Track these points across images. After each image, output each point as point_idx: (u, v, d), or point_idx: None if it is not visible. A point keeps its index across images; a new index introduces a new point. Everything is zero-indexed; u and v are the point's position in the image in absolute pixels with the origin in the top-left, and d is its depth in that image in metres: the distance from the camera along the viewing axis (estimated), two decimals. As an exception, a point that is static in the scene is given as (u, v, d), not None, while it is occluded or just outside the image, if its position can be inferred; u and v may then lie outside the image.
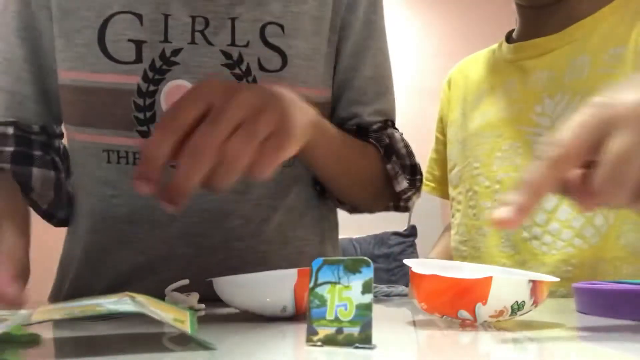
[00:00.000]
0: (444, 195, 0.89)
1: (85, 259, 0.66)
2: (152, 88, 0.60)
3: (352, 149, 0.65)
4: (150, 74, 0.59)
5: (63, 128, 0.69)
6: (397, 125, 0.75)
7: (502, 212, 0.34)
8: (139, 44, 0.59)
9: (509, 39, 0.80)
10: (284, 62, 0.63)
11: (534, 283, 0.38)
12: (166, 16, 0.60)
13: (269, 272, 0.44)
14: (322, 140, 0.56)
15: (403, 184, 0.68)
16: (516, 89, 0.75)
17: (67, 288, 0.68)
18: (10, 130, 0.63)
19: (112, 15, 0.60)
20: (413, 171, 0.70)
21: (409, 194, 0.69)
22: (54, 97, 0.65)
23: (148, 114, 0.60)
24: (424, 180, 0.76)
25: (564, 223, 0.67)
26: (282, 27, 0.63)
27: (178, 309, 0.34)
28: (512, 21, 0.81)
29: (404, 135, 0.73)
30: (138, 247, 0.62)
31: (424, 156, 0.86)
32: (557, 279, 0.39)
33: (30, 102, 0.65)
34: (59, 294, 0.70)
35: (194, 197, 0.54)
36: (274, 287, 0.43)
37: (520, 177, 0.62)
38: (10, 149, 0.62)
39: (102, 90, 0.60)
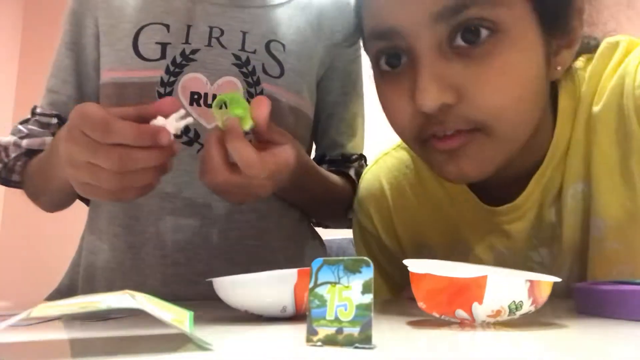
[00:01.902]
0: None
1: (112, 255, 0.73)
2: (172, 79, 0.70)
3: (327, 187, 0.77)
4: (171, 68, 0.71)
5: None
6: None
7: None
8: (164, 46, 0.72)
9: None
10: (282, 72, 0.75)
11: (532, 283, 0.38)
12: (189, 26, 0.73)
13: (269, 273, 0.44)
14: (303, 183, 0.69)
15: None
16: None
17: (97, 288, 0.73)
18: (54, 120, 0.78)
19: (144, 26, 0.73)
20: None
21: None
22: (91, 99, 0.78)
23: None
24: None
25: None
26: (283, 45, 0.76)
27: (177, 308, 0.34)
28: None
29: None
30: (149, 219, 0.71)
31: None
32: (558, 279, 0.39)
33: (72, 102, 0.78)
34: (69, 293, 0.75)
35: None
36: (274, 287, 0.44)
37: None
38: (53, 132, 0.76)
39: (133, 84, 0.71)
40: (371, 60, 0.55)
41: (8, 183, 0.76)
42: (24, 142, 0.74)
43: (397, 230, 0.72)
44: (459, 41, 0.47)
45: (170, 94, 0.70)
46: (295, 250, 0.79)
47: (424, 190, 0.69)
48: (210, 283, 0.47)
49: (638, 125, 0.52)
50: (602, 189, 0.55)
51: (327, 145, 0.86)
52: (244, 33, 0.75)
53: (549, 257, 0.62)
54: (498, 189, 0.61)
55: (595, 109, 0.55)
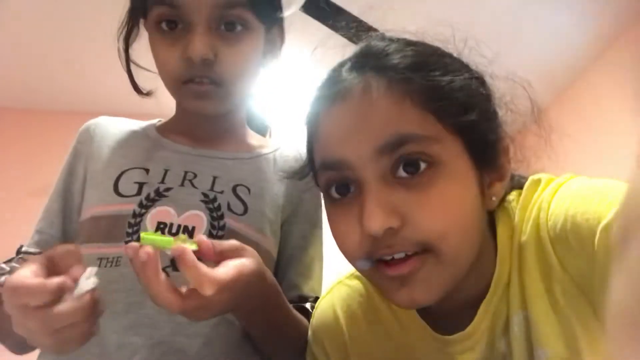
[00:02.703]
0: None
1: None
2: (142, 211, 0.76)
3: (286, 315, 0.74)
4: (144, 202, 0.77)
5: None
6: None
7: None
8: (141, 185, 0.79)
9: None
10: (246, 210, 0.80)
11: None
12: (166, 170, 0.81)
13: None
14: (263, 303, 0.66)
15: None
16: None
17: None
18: None
19: (126, 170, 0.80)
20: None
21: None
22: (72, 236, 0.83)
23: (135, 229, 0.75)
24: None
25: None
26: (249, 189, 0.83)
27: None
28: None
29: None
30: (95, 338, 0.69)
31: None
32: None
33: (55, 241, 0.82)
34: None
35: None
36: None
37: None
38: None
39: (108, 216, 0.76)
40: (322, 189, 0.58)
41: None
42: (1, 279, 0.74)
43: None
44: (401, 172, 0.52)
45: (139, 224, 0.75)
46: None
47: (376, 318, 0.68)
48: None
49: (555, 257, 0.54)
50: (537, 318, 0.56)
51: (286, 286, 0.83)
52: (215, 177, 0.82)
53: None
54: (449, 318, 0.61)
55: (523, 238, 0.58)
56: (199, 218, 0.76)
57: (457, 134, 0.53)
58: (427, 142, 0.52)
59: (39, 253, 0.80)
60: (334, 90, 0.55)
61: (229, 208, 0.79)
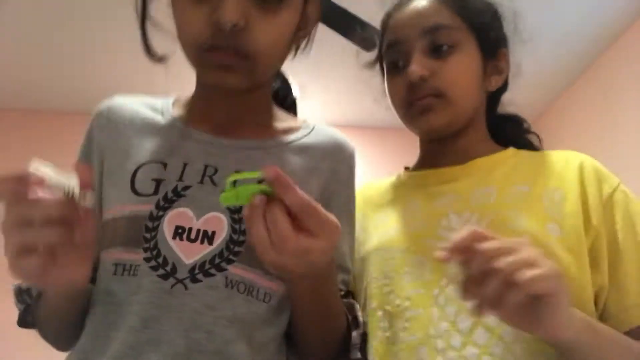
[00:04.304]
0: None
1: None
2: (160, 213, 0.70)
3: (331, 306, 0.73)
4: (161, 203, 0.70)
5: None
6: None
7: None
8: (158, 182, 0.72)
9: (409, 169, 0.93)
10: None
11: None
12: (185, 164, 0.73)
13: None
14: (315, 284, 0.66)
15: (357, 354, 0.77)
16: (420, 208, 0.81)
17: None
18: None
19: (143, 164, 0.73)
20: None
21: None
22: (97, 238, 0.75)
23: (153, 234, 0.68)
24: None
25: (483, 349, 0.66)
26: None
27: None
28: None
29: None
30: (112, 350, 0.65)
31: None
32: None
33: None
34: None
35: (173, 309, 0.64)
36: None
37: (429, 294, 0.72)
38: None
39: (124, 218, 0.70)
40: (386, 68, 0.88)
41: (31, 325, 0.74)
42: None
43: None
44: (433, 49, 0.81)
45: (157, 227, 0.69)
46: None
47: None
48: None
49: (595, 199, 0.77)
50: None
51: None
52: (237, 172, 0.73)
53: None
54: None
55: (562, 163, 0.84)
56: (219, 221, 0.70)
57: (473, 32, 0.83)
58: (453, 31, 0.82)
59: None
60: None
61: None
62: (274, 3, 0.67)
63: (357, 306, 0.79)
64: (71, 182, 0.52)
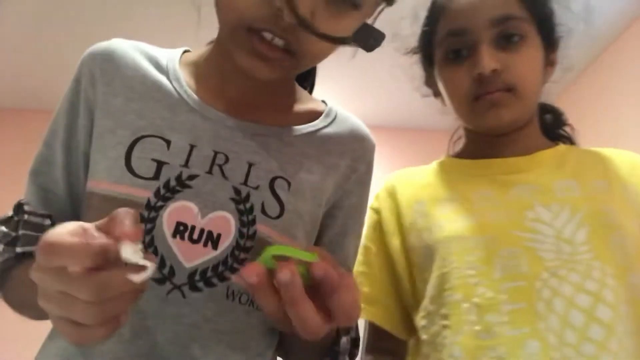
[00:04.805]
0: (375, 318, 0.84)
1: None
2: (160, 204, 0.62)
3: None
4: (162, 191, 0.62)
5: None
6: None
7: None
8: (160, 164, 0.63)
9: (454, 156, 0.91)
10: (281, 212, 0.66)
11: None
12: (192, 146, 0.65)
13: None
14: None
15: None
16: (494, 197, 0.79)
17: None
18: (47, 221, 0.68)
19: (143, 137, 0.64)
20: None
21: None
22: (79, 201, 0.69)
23: (150, 227, 0.61)
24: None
25: (599, 345, 0.65)
26: (289, 184, 0.68)
27: None
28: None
29: None
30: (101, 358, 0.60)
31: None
32: None
33: (61, 202, 0.69)
34: None
35: (163, 318, 0.59)
36: None
37: (530, 287, 0.70)
38: None
39: (116, 199, 0.62)
40: (441, 55, 0.83)
41: None
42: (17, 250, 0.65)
43: None
44: (503, 40, 0.78)
45: (155, 220, 0.61)
46: None
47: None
48: None
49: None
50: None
51: None
52: (250, 165, 0.66)
53: None
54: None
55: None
56: (226, 222, 0.63)
57: (536, 23, 0.81)
58: (521, 22, 0.79)
59: (49, 216, 0.67)
60: None
61: (262, 210, 0.65)
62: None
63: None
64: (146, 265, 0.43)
